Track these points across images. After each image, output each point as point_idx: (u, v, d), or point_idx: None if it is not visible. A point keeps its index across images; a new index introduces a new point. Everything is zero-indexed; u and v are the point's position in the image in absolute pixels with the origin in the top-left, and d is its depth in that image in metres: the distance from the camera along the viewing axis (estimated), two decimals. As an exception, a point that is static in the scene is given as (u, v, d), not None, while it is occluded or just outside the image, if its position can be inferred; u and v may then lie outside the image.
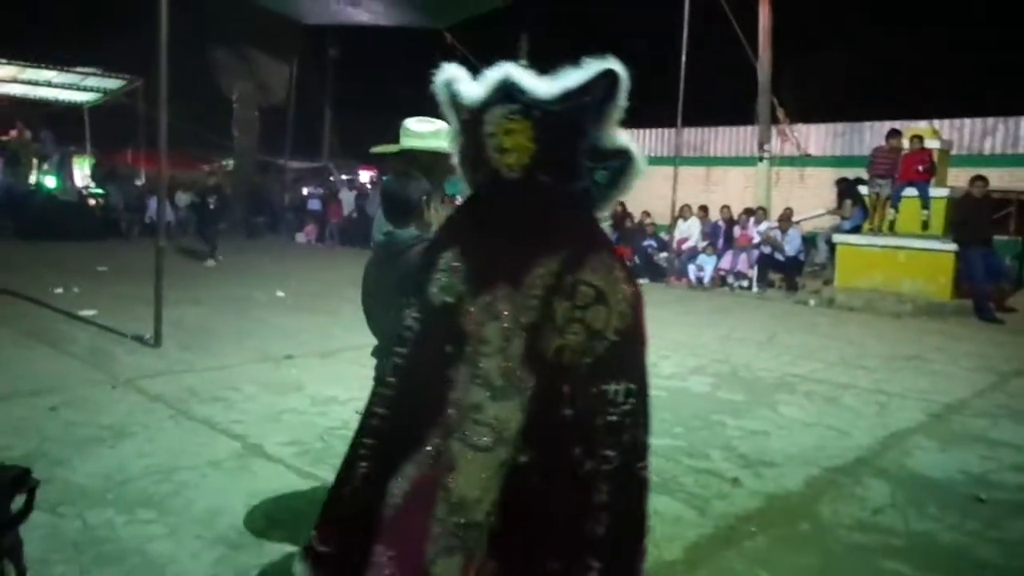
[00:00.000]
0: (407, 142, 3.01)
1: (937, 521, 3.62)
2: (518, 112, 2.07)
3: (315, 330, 7.51)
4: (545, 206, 2.11)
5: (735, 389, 6.01)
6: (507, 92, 2.09)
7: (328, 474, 3.85)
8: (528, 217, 2.10)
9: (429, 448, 2.04)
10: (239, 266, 12.55)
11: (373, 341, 2.89)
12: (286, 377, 5.78)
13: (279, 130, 22.19)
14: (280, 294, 9.64)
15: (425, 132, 3.03)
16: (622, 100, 2.03)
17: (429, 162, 3.02)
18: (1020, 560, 3.25)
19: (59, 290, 8.86)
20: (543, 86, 2.06)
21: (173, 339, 6.58)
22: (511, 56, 2.23)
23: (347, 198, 19.86)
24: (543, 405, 2.00)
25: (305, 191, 22.60)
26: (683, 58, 12.19)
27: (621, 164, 2.09)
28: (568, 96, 2.03)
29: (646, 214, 14.37)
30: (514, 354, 2.02)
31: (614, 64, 2.00)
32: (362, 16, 17.81)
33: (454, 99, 2.22)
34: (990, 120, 13.22)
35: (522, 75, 2.09)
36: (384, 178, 2.90)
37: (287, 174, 23.26)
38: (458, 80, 2.21)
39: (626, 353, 2.02)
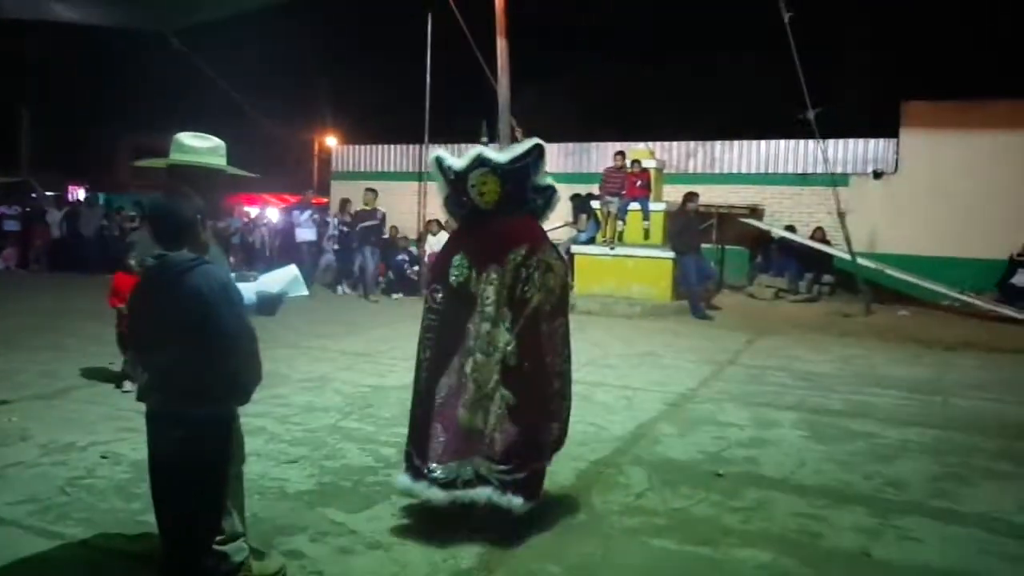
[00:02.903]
0: (180, 157, 2.77)
1: (689, 498, 4.08)
2: (489, 172, 3.63)
3: (33, 369, 6.54)
4: (510, 221, 3.70)
5: (501, 396, 6.25)
6: (481, 161, 3.64)
7: (77, 530, 3.42)
8: (501, 228, 3.69)
9: (458, 361, 3.58)
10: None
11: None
12: (5, 426, 4.97)
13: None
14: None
15: (202, 148, 2.81)
16: (545, 158, 3.68)
17: (202, 180, 2.80)
18: (756, 523, 3.77)
19: None
20: (500, 156, 3.68)
21: None
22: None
23: (54, 218, 17.55)
24: (528, 331, 3.53)
25: None
26: (427, 78, 12.49)
27: (550, 193, 3.75)
28: (516, 160, 3.63)
29: (395, 229, 14.46)
30: (501, 301, 3.56)
31: (539, 140, 3.64)
32: (70, 13, 15.81)
33: (441, 166, 3.76)
34: (692, 143, 15.18)
35: (488, 151, 3.73)
36: (150, 197, 2.65)
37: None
38: (444, 157, 3.78)
39: (563, 300, 3.76)
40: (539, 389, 3.57)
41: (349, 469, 4.38)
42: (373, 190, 13.37)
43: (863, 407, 6.18)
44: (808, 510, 3.95)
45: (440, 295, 3.69)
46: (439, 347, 3.63)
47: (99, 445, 4.60)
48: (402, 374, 6.84)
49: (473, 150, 3.71)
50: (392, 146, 17.56)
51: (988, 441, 5.31)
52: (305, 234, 13.79)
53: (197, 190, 2.71)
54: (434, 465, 3.48)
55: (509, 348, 3.51)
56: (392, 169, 17.44)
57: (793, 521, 3.80)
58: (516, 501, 3.38)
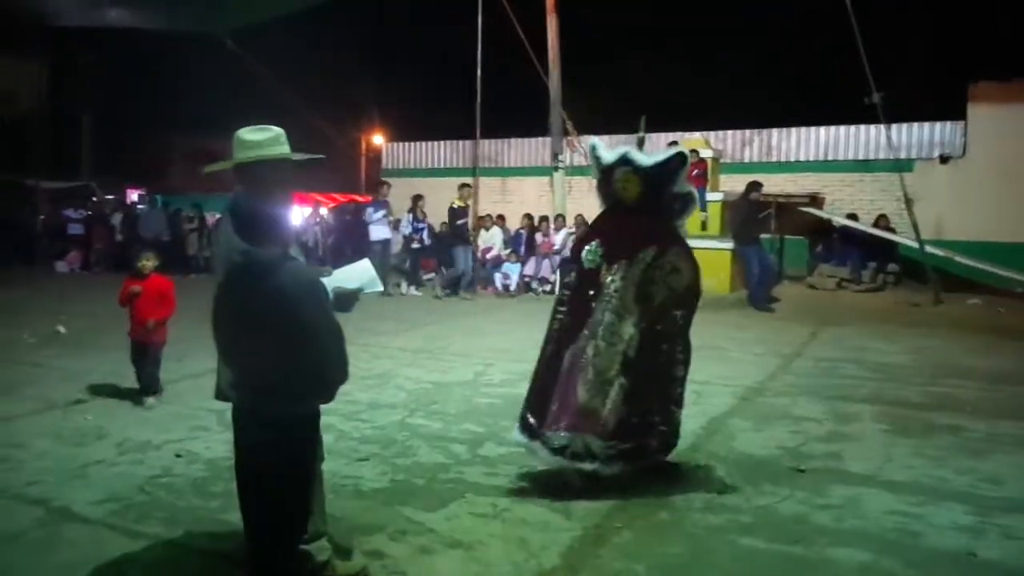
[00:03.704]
0: (246, 154, 2.72)
1: (772, 495, 3.93)
2: (632, 171, 3.99)
3: (105, 369, 6.64)
4: (647, 220, 4.03)
5: (565, 391, 6.15)
6: (625, 160, 3.99)
7: (160, 529, 3.43)
8: (637, 225, 4.02)
9: (582, 340, 3.91)
10: (-8, 302, 10.90)
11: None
12: (82, 425, 5.06)
13: (27, 145, 19.64)
14: (61, 329, 8.47)
15: (264, 140, 2.75)
16: (686, 169, 4.01)
17: (271, 172, 2.74)
18: (849, 522, 3.60)
19: None
20: (645, 159, 3.96)
21: (-75, 393, 5.53)
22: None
23: (116, 220, 18.00)
24: (649, 326, 3.90)
25: (65, 214, 20.19)
26: (479, 72, 12.45)
27: (688, 200, 4.09)
28: (658, 165, 3.96)
29: (446, 225, 14.42)
30: (628, 297, 3.90)
31: (682, 148, 4.14)
32: (125, 18, 16.17)
33: (596, 155, 4.15)
34: (748, 132, 14.84)
35: (634, 152, 4.01)
36: (233, 194, 2.61)
37: (38, 195, 20.60)
38: (598, 147, 4.17)
39: (687, 301, 3.99)
40: (656, 379, 3.93)
41: (421, 467, 4.33)
42: (468, 185, 12.84)
43: (945, 399, 5.92)
44: (902, 508, 3.76)
45: (574, 274, 4.11)
46: (566, 322, 4.03)
47: (173, 443, 4.64)
48: (462, 371, 6.82)
49: (621, 148, 4.07)
50: (443, 142, 17.58)
51: (1085, 435, 5.03)
52: (379, 232, 12.89)
53: (269, 183, 2.66)
54: (549, 432, 3.88)
55: (633, 342, 3.86)
56: (443, 165, 17.47)
57: (888, 520, 3.62)
58: (616, 467, 3.84)
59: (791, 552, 3.29)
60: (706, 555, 3.26)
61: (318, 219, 17.77)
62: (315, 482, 2.71)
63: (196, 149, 25.73)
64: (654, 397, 3.94)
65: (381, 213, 12.86)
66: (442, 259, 13.04)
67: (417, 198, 13.48)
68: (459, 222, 12.48)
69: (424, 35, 17.38)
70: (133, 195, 23.10)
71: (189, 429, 4.94)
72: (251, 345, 2.42)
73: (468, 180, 13.32)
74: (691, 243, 12.96)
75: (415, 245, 13.22)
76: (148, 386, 5.61)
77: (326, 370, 2.45)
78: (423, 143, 18.04)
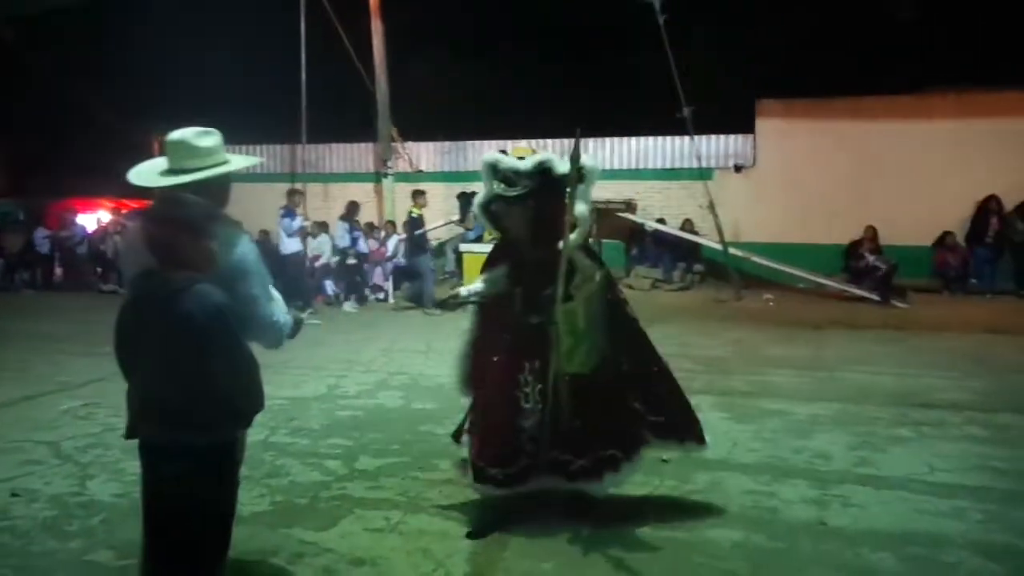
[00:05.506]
0: (206, 165, 2.38)
1: (646, 485, 4.17)
2: None
3: None
4: None
5: (425, 398, 6.18)
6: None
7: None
8: None
9: None
10: None
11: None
12: None
13: None
14: None
15: (215, 146, 2.45)
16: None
17: (218, 185, 2.46)
18: (717, 504, 3.95)
19: None
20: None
21: None
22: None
23: None
24: None
25: None
26: (303, 75, 12.06)
27: None
28: None
29: (265, 233, 13.79)
30: None
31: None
32: None
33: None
34: (566, 141, 15.52)
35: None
36: (156, 203, 2.38)
37: None
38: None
39: None
40: None
41: (299, 486, 4.17)
42: (423, 192, 12.22)
43: (765, 387, 6.61)
44: (757, 487, 4.18)
45: None
46: None
47: (4, 482, 4.12)
48: (315, 384, 6.61)
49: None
50: (258, 146, 16.76)
51: (882, 410, 5.81)
52: (293, 245, 11.50)
53: (210, 196, 2.40)
54: None
55: None
56: (260, 170, 16.64)
57: (747, 499, 4.01)
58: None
59: (676, 537, 3.55)
60: (604, 546, 3.43)
61: (119, 227, 16.27)
62: (235, 516, 2.54)
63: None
64: None
65: (298, 222, 11.62)
66: (405, 271, 12.38)
67: (352, 204, 12.79)
68: (418, 232, 11.83)
69: (237, 30, 16.42)
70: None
71: (19, 464, 4.41)
72: (155, 374, 2.22)
73: (422, 187, 12.84)
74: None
75: (351, 261, 12.46)
76: None
77: (235, 399, 2.31)
78: (237, 147, 17.11)
